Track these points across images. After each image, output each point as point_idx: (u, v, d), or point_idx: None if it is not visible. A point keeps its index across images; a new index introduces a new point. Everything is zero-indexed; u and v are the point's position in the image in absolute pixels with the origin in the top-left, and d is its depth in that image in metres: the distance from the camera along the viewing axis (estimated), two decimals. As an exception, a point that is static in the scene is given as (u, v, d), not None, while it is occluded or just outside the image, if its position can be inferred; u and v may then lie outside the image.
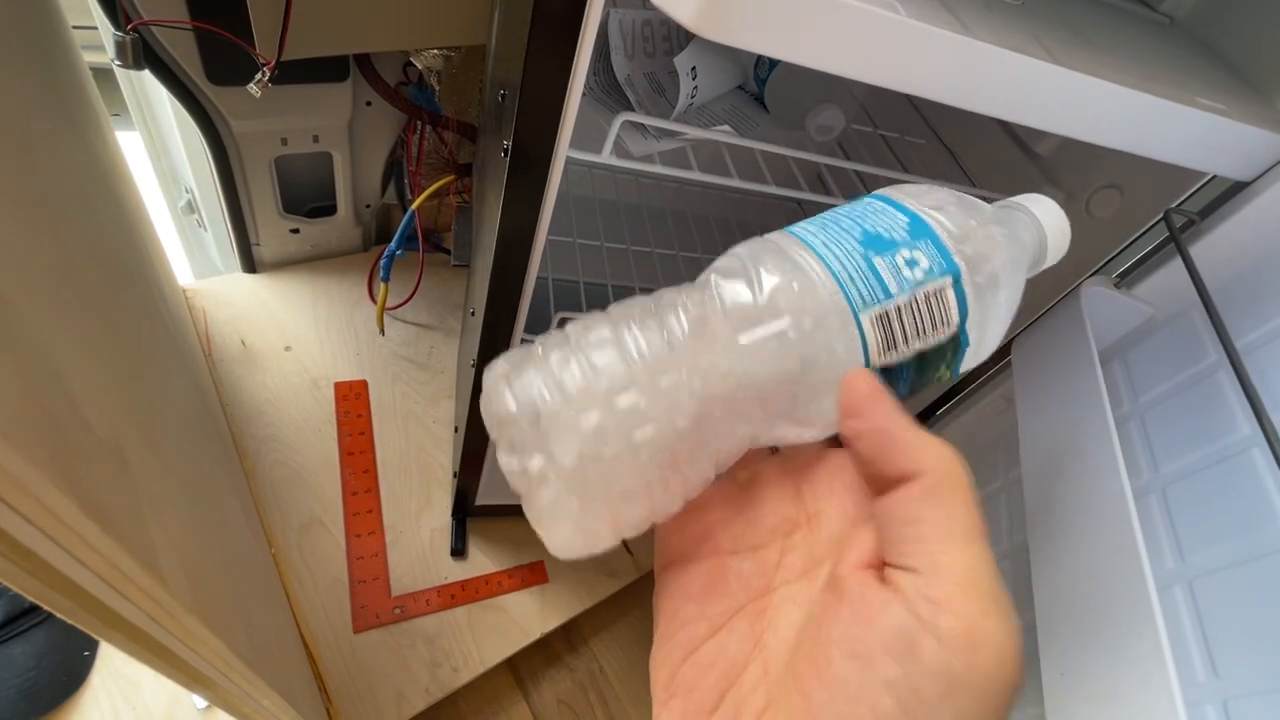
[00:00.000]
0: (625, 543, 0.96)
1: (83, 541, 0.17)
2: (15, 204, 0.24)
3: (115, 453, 0.22)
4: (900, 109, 0.84)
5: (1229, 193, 0.52)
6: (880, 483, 0.21)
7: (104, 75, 0.88)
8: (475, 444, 0.74)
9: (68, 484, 0.15)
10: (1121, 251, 0.60)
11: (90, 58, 0.75)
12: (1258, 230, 0.50)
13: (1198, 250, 0.48)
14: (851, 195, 0.63)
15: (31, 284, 0.21)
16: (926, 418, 0.81)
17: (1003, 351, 0.69)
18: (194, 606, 0.25)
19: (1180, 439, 0.45)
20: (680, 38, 0.65)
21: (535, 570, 0.89)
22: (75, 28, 0.71)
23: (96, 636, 0.21)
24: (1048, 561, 0.39)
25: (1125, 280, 0.53)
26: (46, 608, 0.18)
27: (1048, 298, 0.60)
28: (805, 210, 1.07)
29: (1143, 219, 0.58)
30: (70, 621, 0.19)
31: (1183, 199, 0.52)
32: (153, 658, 0.25)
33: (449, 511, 0.88)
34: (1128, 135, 0.46)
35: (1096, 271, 0.58)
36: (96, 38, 0.73)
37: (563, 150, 0.45)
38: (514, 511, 0.91)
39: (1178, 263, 0.48)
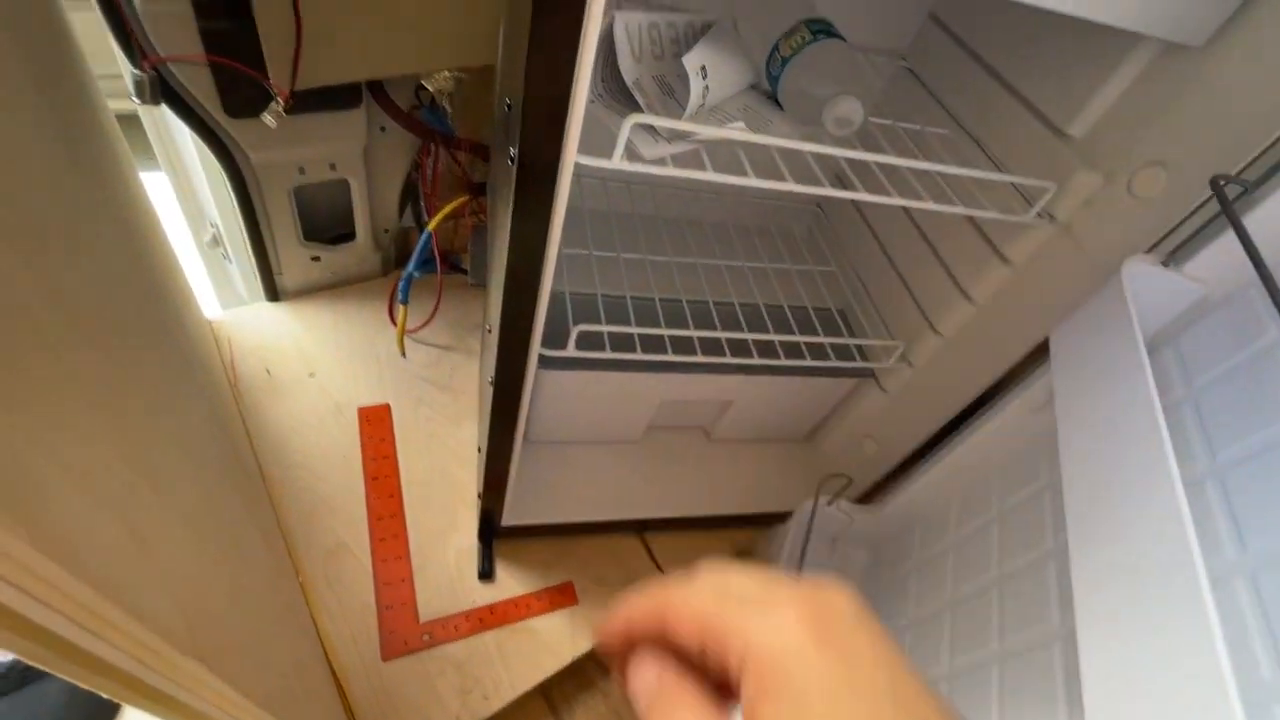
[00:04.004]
0: (656, 561, 0.94)
1: (44, 583, 0.15)
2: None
3: (90, 487, 0.21)
4: (919, 100, 0.81)
5: (1288, 161, 0.48)
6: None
7: (131, 121, 0.90)
8: (499, 464, 0.73)
9: (14, 519, 0.14)
10: (1171, 233, 0.56)
11: (116, 105, 0.77)
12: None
13: (1252, 221, 0.44)
14: (875, 190, 0.61)
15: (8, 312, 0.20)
16: (960, 423, 0.77)
17: (1041, 345, 0.65)
18: (191, 648, 0.24)
19: (1239, 423, 0.41)
20: (689, 38, 0.64)
21: (564, 591, 0.86)
22: (100, 77, 0.73)
23: (82, 685, 0.20)
24: (1089, 561, 0.36)
25: (1173, 259, 0.49)
26: (19, 657, 0.17)
27: (1087, 287, 0.56)
28: (826, 212, 1.04)
29: (1192, 196, 0.54)
30: (50, 671, 0.18)
31: (1239, 170, 0.48)
32: (149, 703, 0.24)
33: (475, 534, 0.87)
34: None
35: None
36: (122, 87, 0.75)
37: (570, 154, 0.43)
38: (540, 532, 0.89)
39: (1230, 237, 0.44)
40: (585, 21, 0.37)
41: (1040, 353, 0.66)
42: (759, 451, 1.02)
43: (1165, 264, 0.49)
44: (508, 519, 0.83)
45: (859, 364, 0.88)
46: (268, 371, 0.96)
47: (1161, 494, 0.31)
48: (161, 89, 0.74)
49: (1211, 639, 0.26)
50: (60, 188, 0.38)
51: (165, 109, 0.77)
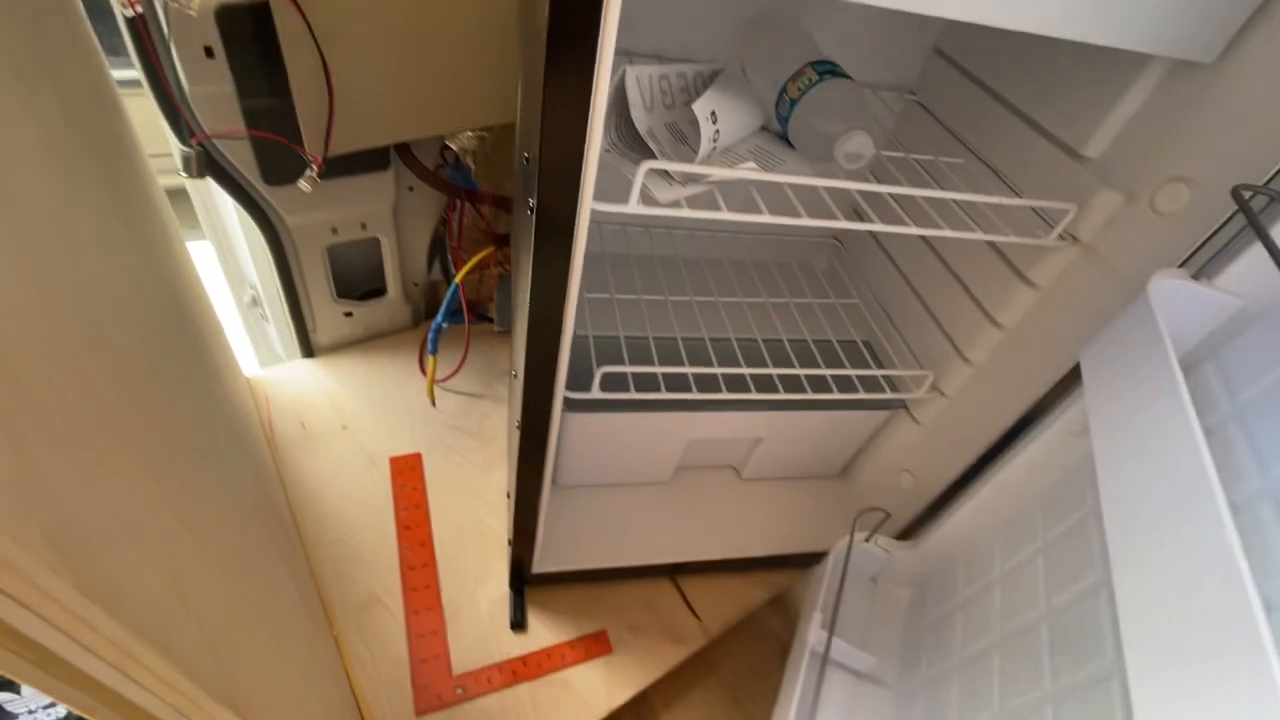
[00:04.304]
0: (691, 607, 0.91)
1: (86, 625, 0.16)
2: (52, 297, 0.25)
3: (135, 535, 0.21)
4: (932, 132, 0.82)
5: (1315, 169, 0.47)
6: None
7: (178, 195, 0.96)
8: (527, 510, 0.73)
9: (63, 564, 0.15)
10: (1201, 247, 0.55)
11: (165, 180, 0.82)
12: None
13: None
14: (891, 220, 0.61)
15: (57, 372, 0.22)
16: (998, 451, 0.75)
17: (1077, 367, 0.63)
18: (224, 694, 0.24)
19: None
20: (698, 86, 0.66)
21: (599, 640, 0.85)
22: (152, 156, 0.78)
23: (118, 731, 0.20)
24: (1135, 596, 0.34)
25: (1205, 273, 0.48)
26: (55, 700, 0.18)
27: (1119, 306, 0.55)
28: (845, 245, 1.05)
29: (1218, 209, 0.53)
30: (83, 715, 0.18)
31: (1266, 180, 0.47)
32: (184, 752, 0.24)
33: (506, 582, 0.86)
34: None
35: (1174, 271, 0.53)
36: (171, 164, 0.80)
37: (586, 201, 0.45)
38: (572, 579, 0.88)
39: (1263, 247, 0.43)
40: (595, 79, 0.39)
41: (1077, 375, 0.64)
42: (792, 489, 1.00)
43: (1196, 278, 0.48)
44: (539, 566, 0.83)
45: (889, 395, 0.86)
46: (303, 425, 0.98)
47: (1205, 519, 0.30)
48: (206, 162, 0.79)
49: (1270, 671, 0.24)
50: (115, 261, 0.40)
51: (209, 181, 0.82)
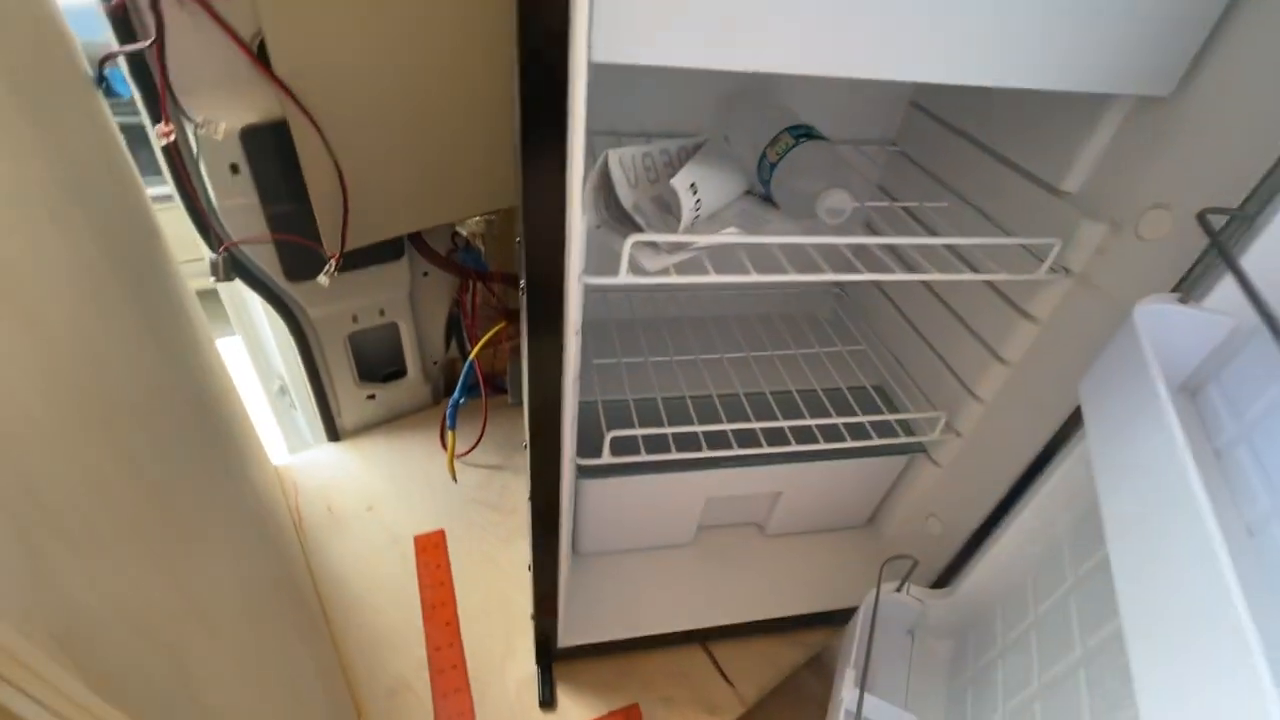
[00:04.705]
0: (724, 673, 0.88)
1: (90, 716, 0.17)
2: (77, 414, 0.28)
3: (142, 628, 0.23)
4: (917, 180, 0.85)
5: None
6: None
7: (210, 296, 1.03)
8: (548, 580, 0.73)
9: (69, 658, 0.16)
10: (1191, 270, 0.55)
11: (197, 283, 0.88)
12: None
13: (1257, 250, 0.44)
14: (878, 269, 0.63)
15: (78, 482, 0.24)
16: (1023, 487, 0.73)
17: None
18: (230, 783, 0.25)
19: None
20: (682, 160, 0.70)
21: (630, 715, 0.82)
22: (183, 262, 0.85)
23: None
24: (1145, 638, 0.32)
25: (1194, 295, 0.48)
26: (65, 793, 0.19)
27: (1111, 333, 0.55)
28: (847, 292, 1.06)
29: (1200, 232, 0.53)
30: (92, 807, 0.19)
31: (1241, 202, 0.48)
32: (192, 845, 0.25)
33: (533, 657, 0.85)
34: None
35: (1166, 296, 0.53)
36: (202, 268, 0.87)
37: (573, 278, 0.48)
38: (600, 651, 0.87)
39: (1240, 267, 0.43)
40: (568, 169, 0.43)
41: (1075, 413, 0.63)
42: (819, 543, 0.98)
43: (1185, 300, 0.48)
44: (565, 639, 0.81)
45: (905, 439, 0.85)
46: (329, 509, 1.00)
47: (1200, 551, 0.29)
48: (233, 266, 0.85)
49: (1262, 691, 0.23)
50: (140, 371, 0.44)
51: (237, 281, 0.87)
